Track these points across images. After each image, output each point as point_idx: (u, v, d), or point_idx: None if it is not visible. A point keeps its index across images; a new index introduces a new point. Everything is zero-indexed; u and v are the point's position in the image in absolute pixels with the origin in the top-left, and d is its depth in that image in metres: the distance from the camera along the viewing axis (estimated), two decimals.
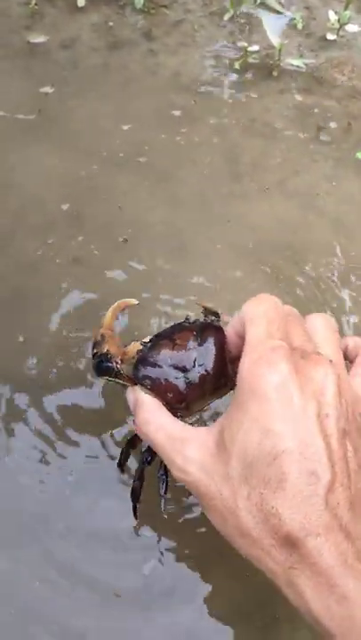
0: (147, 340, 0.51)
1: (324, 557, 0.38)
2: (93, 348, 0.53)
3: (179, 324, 0.52)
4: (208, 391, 0.50)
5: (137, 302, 0.59)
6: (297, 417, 0.40)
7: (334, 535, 0.38)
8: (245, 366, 0.43)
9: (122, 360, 0.51)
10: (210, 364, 0.49)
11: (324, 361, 0.43)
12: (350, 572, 0.38)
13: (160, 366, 0.49)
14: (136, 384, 0.50)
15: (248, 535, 0.41)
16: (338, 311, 0.70)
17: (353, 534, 0.39)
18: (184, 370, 0.49)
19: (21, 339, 0.66)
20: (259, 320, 0.45)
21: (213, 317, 0.54)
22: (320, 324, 0.48)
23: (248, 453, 0.41)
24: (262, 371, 0.42)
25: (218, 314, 0.54)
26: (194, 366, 0.49)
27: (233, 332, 0.49)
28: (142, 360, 0.49)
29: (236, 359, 0.47)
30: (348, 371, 0.47)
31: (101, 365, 0.51)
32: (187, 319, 0.52)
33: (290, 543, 0.39)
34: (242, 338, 0.46)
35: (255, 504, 0.40)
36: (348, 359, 0.50)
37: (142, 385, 0.49)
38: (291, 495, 0.39)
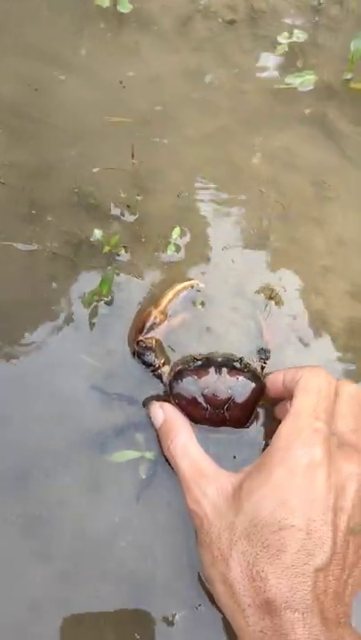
0: (197, 356, 0.55)
1: (295, 633, 0.39)
2: (142, 331, 0.58)
3: (231, 360, 0.55)
4: (222, 426, 0.54)
5: (201, 285, 0.63)
6: (315, 501, 0.42)
7: (312, 616, 0.40)
8: (283, 434, 0.45)
9: (163, 363, 0.57)
10: (237, 414, 0.54)
11: (357, 457, 0.45)
12: None
13: (195, 390, 0.53)
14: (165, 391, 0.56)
15: (230, 585, 0.42)
16: None
17: (330, 621, 0.40)
18: (215, 405, 0.53)
19: None
20: (311, 394, 0.47)
21: (263, 357, 0.59)
22: None
23: (258, 515, 0.43)
24: (298, 446, 0.44)
25: (268, 351, 0.60)
26: (224, 408, 0.53)
27: (280, 380, 0.52)
28: (182, 375, 0.54)
29: (270, 401, 0.55)
30: None
31: (144, 359, 0.57)
32: (241, 360, 0.55)
33: (267, 609, 0.41)
34: (287, 390, 0.51)
35: (248, 561, 0.42)
36: None
37: (171, 395, 0.54)
38: (284, 567, 0.41)
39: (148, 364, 0.57)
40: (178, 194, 0.72)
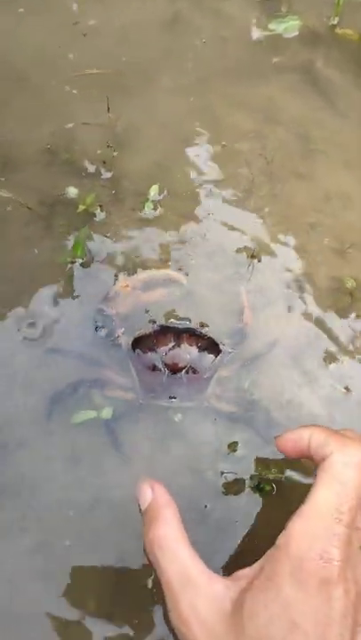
0: (157, 322, 0.55)
1: None
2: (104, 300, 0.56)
3: (191, 327, 0.55)
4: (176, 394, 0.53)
5: (184, 282, 0.60)
6: (331, 623, 0.35)
7: None
8: (296, 537, 0.37)
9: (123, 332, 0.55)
10: (195, 380, 0.53)
11: None
12: None
13: (153, 355, 0.53)
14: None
15: None
16: None
17: None
18: (173, 370, 0.52)
19: None
20: (336, 486, 0.39)
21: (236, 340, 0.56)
22: None
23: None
24: (313, 557, 0.36)
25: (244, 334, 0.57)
26: (182, 374, 0.52)
27: (305, 440, 0.43)
28: (141, 341, 0.53)
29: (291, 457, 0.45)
30: None
31: (98, 328, 0.55)
32: (201, 327, 0.56)
33: None
34: (309, 454, 0.42)
35: None
36: None
37: (130, 360, 0.53)
38: None
39: (105, 334, 0.55)
40: (155, 150, 0.68)
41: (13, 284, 0.60)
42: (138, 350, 0.54)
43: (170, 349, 0.53)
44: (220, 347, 0.54)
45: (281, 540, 0.38)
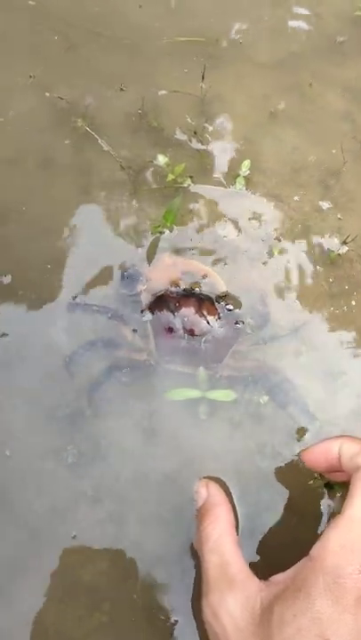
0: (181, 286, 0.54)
1: None
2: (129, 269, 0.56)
3: (216, 295, 0.55)
4: (194, 361, 0.52)
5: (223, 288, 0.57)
6: None
7: None
8: (331, 548, 0.36)
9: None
10: (214, 348, 0.52)
11: None
12: None
13: (174, 317, 0.52)
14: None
15: None
16: None
17: None
18: (192, 336, 0.52)
19: None
20: None
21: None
22: None
23: None
24: (350, 572, 0.35)
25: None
26: (201, 341, 0.52)
27: (335, 452, 0.42)
28: (163, 300, 0.53)
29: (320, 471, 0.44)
30: None
31: (129, 276, 0.55)
32: (225, 296, 0.55)
33: None
34: (340, 468, 0.41)
35: None
36: None
37: (149, 320, 0.53)
38: None
39: (128, 289, 0.55)
40: (243, 124, 0.67)
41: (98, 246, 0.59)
42: (157, 311, 0.54)
43: (191, 315, 0.53)
44: (240, 325, 0.54)
45: (315, 551, 0.36)
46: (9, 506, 0.49)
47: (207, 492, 0.44)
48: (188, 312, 0.53)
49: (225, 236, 0.60)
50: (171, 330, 0.53)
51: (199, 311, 0.53)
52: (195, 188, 0.63)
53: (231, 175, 0.63)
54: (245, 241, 0.60)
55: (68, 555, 0.48)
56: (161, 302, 0.54)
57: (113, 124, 0.66)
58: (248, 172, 0.63)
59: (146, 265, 0.57)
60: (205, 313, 0.54)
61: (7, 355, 0.54)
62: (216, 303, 0.55)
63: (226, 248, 0.60)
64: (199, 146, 0.65)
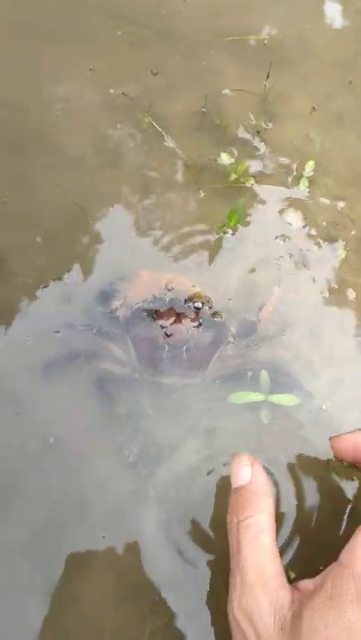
0: (158, 295, 0.53)
1: None
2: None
3: (195, 301, 0.53)
4: (177, 371, 0.51)
5: (206, 301, 0.55)
6: None
7: None
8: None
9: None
10: (196, 356, 0.51)
11: None
12: None
13: (154, 328, 0.51)
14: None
15: None
16: None
17: None
18: (174, 345, 0.51)
19: None
20: None
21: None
22: None
23: None
24: None
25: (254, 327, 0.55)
26: (183, 349, 0.51)
27: (355, 443, 0.41)
28: (142, 312, 0.52)
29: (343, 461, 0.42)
30: None
31: (104, 293, 0.54)
32: (205, 303, 0.54)
33: None
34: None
35: None
36: None
37: (128, 332, 0.52)
38: None
39: (104, 305, 0.54)
40: (306, 124, 0.66)
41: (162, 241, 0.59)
42: (136, 324, 0.53)
43: (171, 324, 0.52)
44: (218, 318, 0.53)
45: (345, 556, 0.35)
46: (78, 503, 0.49)
47: (252, 474, 0.40)
48: (166, 321, 0.52)
49: (285, 237, 0.60)
50: (152, 341, 0.52)
51: (177, 319, 0.53)
52: (257, 188, 0.62)
53: (294, 176, 0.63)
54: (306, 243, 0.59)
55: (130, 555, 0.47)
56: (139, 315, 0.53)
57: (175, 121, 0.66)
58: (312, 172, 0.62)
59: (124, 282, 0.56)
60: (183, 319, 0.53)
61: None
62: (184, 305, 0.53)
63: (283, 249, 0.59)
64: (262, 145, 0.64)
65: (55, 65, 0.68)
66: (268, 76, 0.65)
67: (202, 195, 0.62)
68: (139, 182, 0.62)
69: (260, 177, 0.63)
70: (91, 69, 0.67)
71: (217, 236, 0.59)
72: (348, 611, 0.33)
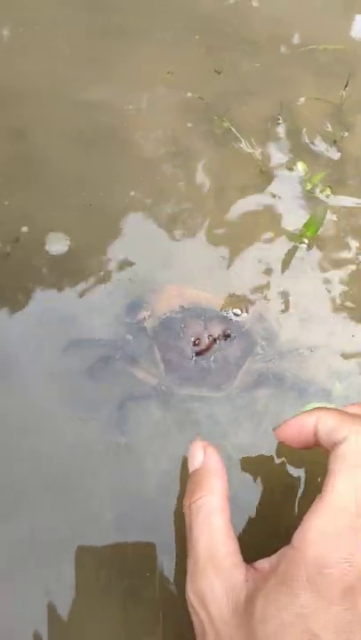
0: (185, 305, 0.53)
1: None
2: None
3: (222, 311, 0.54)
4: (204, 383, 0.51)
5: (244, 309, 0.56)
6: (355, 629, 0.31)
7: None
8: (313, 538, 0.32)
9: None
10: (224, 367, 0.51)
11: None
12: None
13: (181, 338, 0.51)
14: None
15: None
16: None
17: None
18: (201, 355, 0.51)
19: None
20: (356, 475, 0.33)
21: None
22: None
23: None
24: (333, 562, 0.32)
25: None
26: (210, 359, 0.51)
27: (311, 426, 0.38)
28: (169, 322, 0.52)
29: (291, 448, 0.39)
30: None
31: (132, 305, 0.54)
32: (233, 312, 0.54)
33: None
34: (318, 443, 0.37)
35: None
36: None
37: (155, 343, 0.52)
38: None
39: (131, 316, 0.54)
40: None
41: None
42: (163, 335, 0.52)
43: (199, 334, 0.52)
44: (251, 342, 0.53)
45: (296, 540, 0.33)
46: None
47: (204, 457, 0.40)
48: (194, 332, 0.52)
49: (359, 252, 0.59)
50: (180, 353, 0.52)
51: (205, 329, 0.52)
52: (333, 199, 0.61)
53: None
54: None
55: None
56: (166, 325, 0.53)
57: (250, 127, 0.65)
58: None
59: (151, 295, 0.56)
60: (211, 330, 0.52)
61: None
62: (223, 313, 0.53)
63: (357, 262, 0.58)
64: (338, 155, 0.64)
65: (134, 66, 0.68)
66: (346, 85, 0.65)
67: (276, 203, 0.61)
68: (212, 186, 0.62)
69: (336, 187, 0.62)
70: (169, 72, 0.67)
71: (291, 246, 0.59)
72: (301, 596, 0.31)
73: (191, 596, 0.35)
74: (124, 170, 0.62)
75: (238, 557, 0.36)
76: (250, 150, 0.63)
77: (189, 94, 0.66)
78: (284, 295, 0.56)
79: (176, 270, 0.58)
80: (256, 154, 0.63)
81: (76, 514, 0.47)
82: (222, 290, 0.56)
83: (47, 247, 0.57)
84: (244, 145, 0.63)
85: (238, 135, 0.63)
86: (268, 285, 0.57)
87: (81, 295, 0.56)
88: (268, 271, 0.58)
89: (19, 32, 0.70)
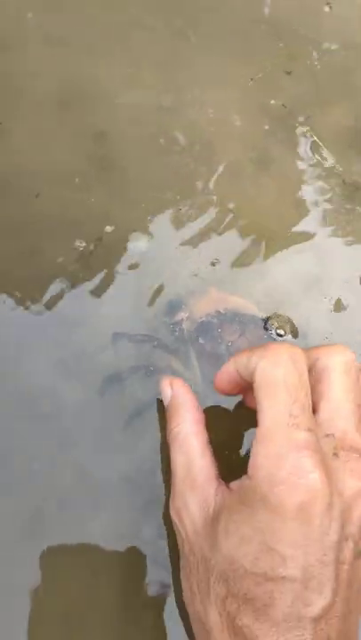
0: (222, 310, 0.52)
1: None
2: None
3: (258, 318, 0.52)
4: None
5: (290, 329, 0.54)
6: (313, 542, 0.32)
7: None
8: (259, 463, 0.34)
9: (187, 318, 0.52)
10: None
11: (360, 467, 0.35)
12: None
13: (218, 343, 0.50)
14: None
15: (209, 633, 0.34)
16: None
17: None
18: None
19: None
20: (276, 393, 0.35)
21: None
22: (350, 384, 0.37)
23: (237, 560, 0.33)
24: (281, 479, 0.33)
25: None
26: None
27: (233, 372, 0.40)
28: (205, 327, 0.51)
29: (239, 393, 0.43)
30: None
31: (172, 304, 0.53)
32: (268, 319, 0.52)
33: None
34: (247, 383, 0.39)
35: (228, 611, 0.33)
36: None
37: (191, 348, 0.50)
38: (273, 622, 0.32)
39: (169, 317, 0.53)
40: None
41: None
42: (201, 338, 0.51)
43: (236, 339, 0.51)
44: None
45: (249, 469, 0.35)
46: None
47: (172, 391, 0.43)
48: (232, 337, 0.51)
49: None
50: (215, 357, 0.50)
51: (243, 335, 0.51)
52: None
53: None
54: None
55: None
56: (204, 329, 0.52)
57: (330, 136, 0.65)
58: None
59: (191, 296, 0.55)
60: (253, 336, 0.51)
61: None
62: (265, 326, 0.52)
63: None
64: None
65: (216, 72, 0.68)
66: None
67: (355, 215, 0.60)
68: (292, 195, 0.61)
69: None
70: (252, 79, 0.67)
71: None
72: (258, 513, 0.33)
73: (172, 514, 0.39)
74: (203, 174, 0.62)
75: (213, 472, 0.39)
76: (331, 160, 0.62)
77: (273, 101, 0.66)
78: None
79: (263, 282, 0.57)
80: (338, 164, 0.62)
81: None
82: (272, 305, 0.56)
83: (130, 246, 0.57)
84: (325, 153, 0.63)
85: (320, 144, 0.63)
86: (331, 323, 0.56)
87: (157, 294, 0.55)
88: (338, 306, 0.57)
89: (99, 35, 0.71)
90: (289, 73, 0.68)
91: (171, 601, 0.43)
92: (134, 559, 0.44)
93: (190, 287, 0.55)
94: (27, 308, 0.54)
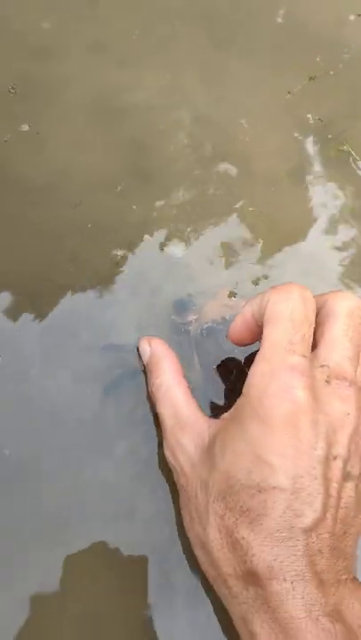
0: (228, 316, 0.52)
1: (285, 605, 0.33)
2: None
3: None
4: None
5: None
6: (301, 454, 0.35)
7: (303, 585, 0.33)
8: (254, 381, 0.37)
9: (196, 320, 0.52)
10: None
11: (352, 392, 0.36)
12: (312, 628, 0.32)
13: (224, 348, 0.50)
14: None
15: (209, 552, 0.37)
16: None
17: (327, 583, 0.33)
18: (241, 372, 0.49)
19: None
20: (281, 322, 0.37)
21: None
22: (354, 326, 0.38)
23: (233, 475, 0.36)
24: (272, 393, 0.36)
25: None
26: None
27: (249, 315, 0.41)
28: (211, 331, 0.51)
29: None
30: None
31: (182, 304, 0.53)
32: None
33: (251, 580, 0.34)
34: (260, 327, 0.40)
35: (226, 527, 0.36)
36: None
37: (196, 353, 0.50)
38: (267, 532, 0.34)
39: (181, 313, 0.53)
40: None
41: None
42: (205, 344, 0.51)
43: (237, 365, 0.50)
44: None
45: (244, 388, 0.38)
46: None
47: (150, 348, 0.46)
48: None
49: None
50: (221, 364, 0.50)
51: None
52: None
53: None
54: None
55: None
56: (208, 334, 0.52)
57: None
58: None
59: (202, 297, 0.55)
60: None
61: None
62: None
63: None
64: None
65: (254, 84, 0.69)
66: None
67: None
68: (328, 209, 0.62)
69: None
70: (289, 92, 0.68)
71: None
72: (249, 427, 0.36)
73: (167, 454, 0.42)
74: (239, 185, 0.63)
75: (200, 413, 0.42)
76: None
77: (309, 115, 0.67)
78: None
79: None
80: None
81: None
82: None
83: (166, 252, 0.58)
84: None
85: (357, 157, 0.64)
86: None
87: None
88: None
89: (139, 44, 0.72)
90: (325, 86, 0.69)
91: (191, 603, 0.43)
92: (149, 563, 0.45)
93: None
94: (63, 313, 0.55)
